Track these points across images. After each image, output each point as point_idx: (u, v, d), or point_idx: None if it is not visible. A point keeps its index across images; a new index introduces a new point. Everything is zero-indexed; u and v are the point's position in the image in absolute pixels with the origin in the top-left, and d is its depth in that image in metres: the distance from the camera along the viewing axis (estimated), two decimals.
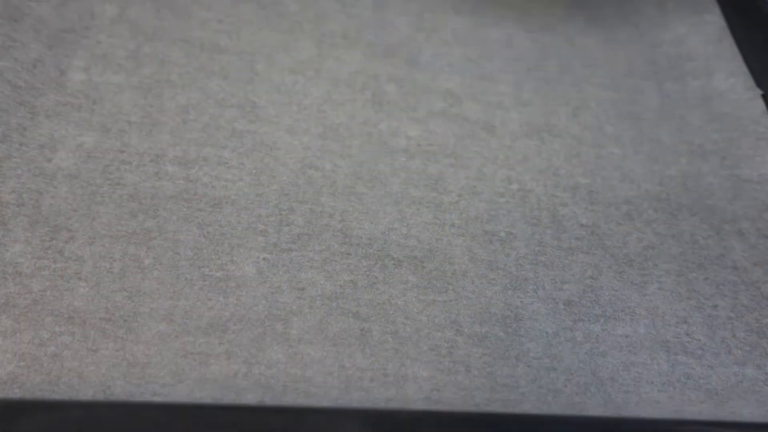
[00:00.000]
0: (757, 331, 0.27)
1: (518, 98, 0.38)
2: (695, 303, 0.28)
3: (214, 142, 0.32)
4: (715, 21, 0.41)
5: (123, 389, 0.24)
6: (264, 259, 0.29)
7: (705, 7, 0.42)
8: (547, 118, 0.37)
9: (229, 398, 0.24)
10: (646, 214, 0.32)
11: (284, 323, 0.27)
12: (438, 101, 0.37)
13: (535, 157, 0.35)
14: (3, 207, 0.29)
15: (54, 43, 0.35)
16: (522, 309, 0.28)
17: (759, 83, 0.37)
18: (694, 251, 0.31)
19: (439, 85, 0.38)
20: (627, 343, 0.27)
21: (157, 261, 0.28)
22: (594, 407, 0.25)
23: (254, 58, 0.36)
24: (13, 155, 0.30)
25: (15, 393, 0.24)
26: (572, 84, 0.39)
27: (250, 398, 0.24)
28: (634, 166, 0.35)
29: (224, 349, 0.26)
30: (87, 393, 0.24)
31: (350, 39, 0.38)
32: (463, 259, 0.30)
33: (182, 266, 0.28)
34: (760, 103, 0.36)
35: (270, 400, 0.24)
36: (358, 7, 0.40)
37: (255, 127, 0.34)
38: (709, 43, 0.40)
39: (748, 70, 0.38)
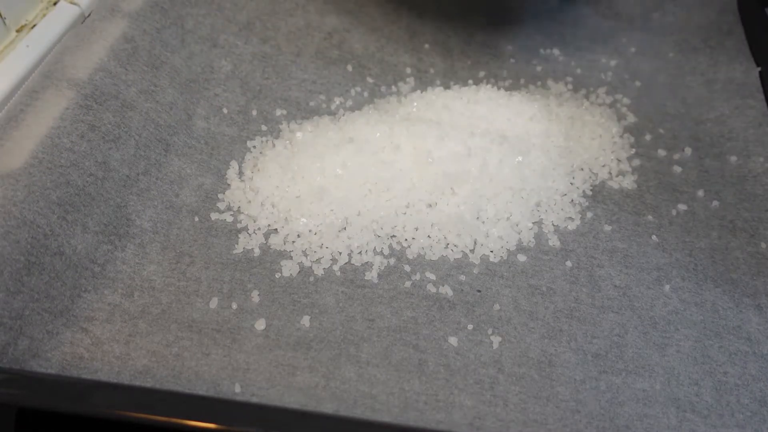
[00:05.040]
0: (760, 400, 0.31)
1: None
2: (708, 368, 0.33)
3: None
4: (757, 106, 0.44)
5: (228, 388, 0.31)
6: (342, 292, 0.35)
7: (749, 92, 0.45)
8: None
9: (311, 405, 0.30)
10: (674, 281, 0.37)
11: (356, 347, 0.33)
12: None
13: (579, 220, 0.40)
14: (143, 233, 0.36)
15: (184, 90, 0.42)
16: (555, 357, 0.33)
17: None
18: (713, 320, 0.35)
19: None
20: (643, 397, 0.31)
21: (257, 285, 0.35)
22: None
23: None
24: (151, 188, 0.37)
25: (148, 382, 0.31)
26: None
27: (328, 407, 0.30)
28: (668, 235, 0.39)
29: (308, 364, 0.32)
30: (201, 388, 0.31)
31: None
32: (508, 308, 0.35)
33: (277, 292, 0.35)
34: None
35: (343, 411, 0.30)
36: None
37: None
38: (750, 127, 0.44)
39: None
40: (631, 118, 0.46)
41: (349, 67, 0.48)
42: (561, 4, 0.54)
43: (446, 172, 0.39)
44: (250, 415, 0.28)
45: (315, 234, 0.37)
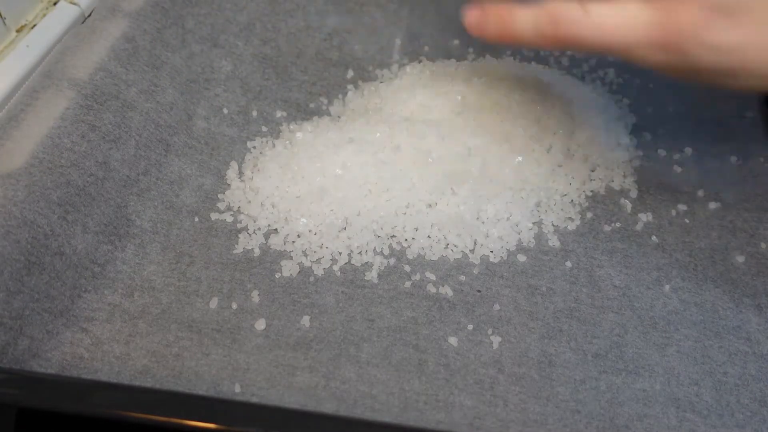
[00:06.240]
0: (759, 400, 0.31)
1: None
2: (708, 368, 0.33)
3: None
4: (755, 107, 0.44)
5: (228, 388, 0.31)
6: (342, 292, 0.35)
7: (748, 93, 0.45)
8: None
9: (311, 405, 0.30)
10: (674, 282, 0.37)
11: (356, 347, 0.33)
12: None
13: (578, 221, 0.40)
14: (143, 233, 0.36)
15: (184, 90, 0.42)
16: (555, 357, 0.33)
17: None
18: (713, 320, 0.35)
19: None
20: (643, 397, 0.31)
21: (257, 285, 0.35)
22: None
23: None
24: (151, 188, 0.38)
25: (148, 382, 0.31)
26: None
27: (328, 407, 0.30)
28: (667, 236, 0.39)
29: (308, 364, 0.32)
30: (201, 388, 0.31)
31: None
32: (508, 308, 0.35)
33: (277, 292, 0.35)
34: None
35: (343, 411, 0.30)
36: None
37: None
38: (750, 127, 0.44)
39: None
40: (631, 118, 0.46)
41: (350, 69, 0.48)
42: None
43: (446, 172, 0.39)
44: (250, 415, 0.28)
45: (315, 234, 0.37)
